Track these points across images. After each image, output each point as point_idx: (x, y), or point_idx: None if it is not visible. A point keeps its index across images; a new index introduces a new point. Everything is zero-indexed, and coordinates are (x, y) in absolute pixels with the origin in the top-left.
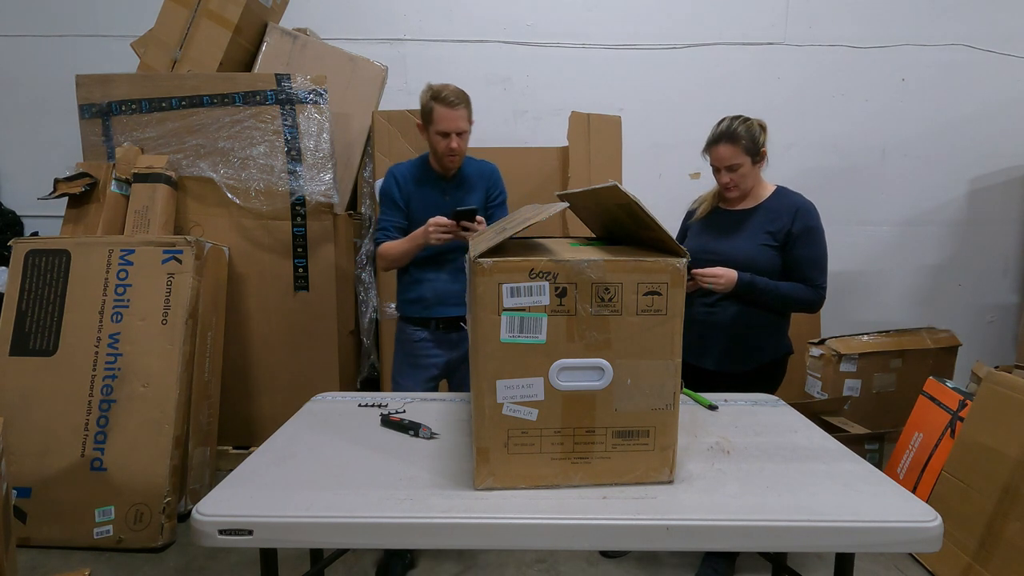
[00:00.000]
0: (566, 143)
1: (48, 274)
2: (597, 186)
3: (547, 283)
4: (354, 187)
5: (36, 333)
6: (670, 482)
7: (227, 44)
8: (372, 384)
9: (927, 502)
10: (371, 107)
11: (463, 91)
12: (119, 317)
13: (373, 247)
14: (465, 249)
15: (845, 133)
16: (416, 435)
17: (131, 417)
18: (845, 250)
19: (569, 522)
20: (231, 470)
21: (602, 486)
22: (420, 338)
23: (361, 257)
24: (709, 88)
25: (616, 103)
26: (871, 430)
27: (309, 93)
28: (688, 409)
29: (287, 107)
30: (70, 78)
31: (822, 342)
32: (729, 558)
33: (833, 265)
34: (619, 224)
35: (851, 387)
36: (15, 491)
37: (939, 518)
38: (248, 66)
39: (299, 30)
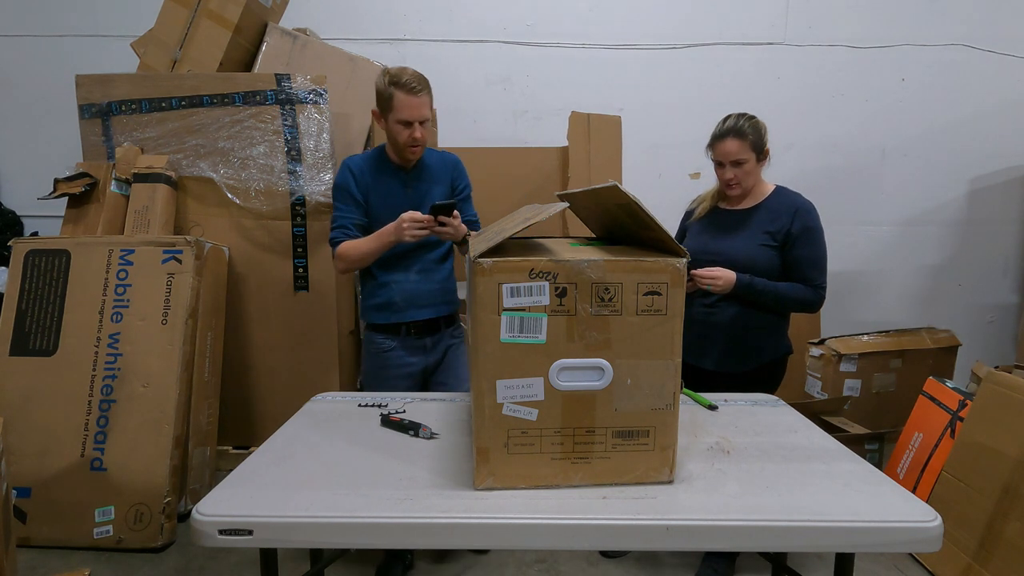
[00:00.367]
0: (566, 143)
1: (48, 274)
2: (597, 186)
3: (547, 283)
4: None
5: (36, 333)
6: (670, 482)
7: (227, 44)
8: None
9: (927, 502)
10: (371, 107)
11: (423, 76)
12: (119, 317)
13: (331, 247)
14: (434, 246)
15: (845, 133)
16: (416, 435)
17: (131, 417)
18: (845, 250)
19: (569, 522)
20: (231, 470)
21: (602, 486)
22: (389, 348)
23: None
24: (709, 88)
25: (616, 103)
26: (871, 430)
27: (309, 93)
28: (688, 409)
29: (287, 107)
30: (70, 78)
31: (822, 342)
32: (729, 558)
33: (833, 265)
34: (619, 224)
35: (851, 387)
36: (15, 491)
37: (939, 518)
38: (248, 66)
39: (299, 30)
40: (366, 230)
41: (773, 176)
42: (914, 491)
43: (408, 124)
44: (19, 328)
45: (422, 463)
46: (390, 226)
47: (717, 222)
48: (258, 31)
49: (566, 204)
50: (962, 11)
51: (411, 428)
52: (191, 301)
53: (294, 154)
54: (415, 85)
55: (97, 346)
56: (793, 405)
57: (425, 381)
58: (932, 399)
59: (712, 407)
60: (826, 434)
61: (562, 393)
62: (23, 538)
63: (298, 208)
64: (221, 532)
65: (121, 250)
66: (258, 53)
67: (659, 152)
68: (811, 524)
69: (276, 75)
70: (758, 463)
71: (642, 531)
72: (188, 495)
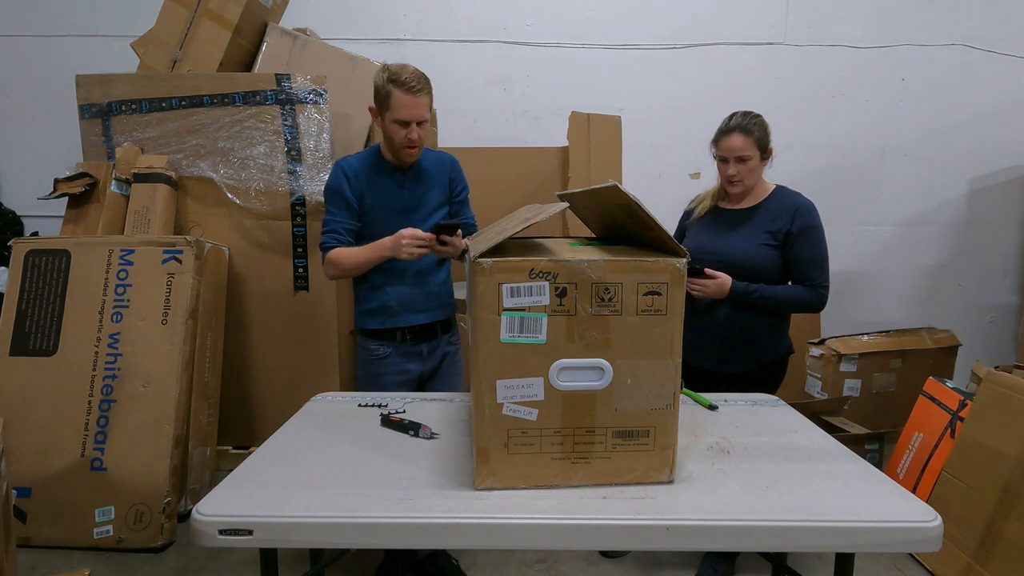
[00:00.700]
0: (566, 143)
1: (48, 274)
2: (597, 186)
3: (547, 283)
4: None
5: (36, 333)
6: (670, 482)
7: (227, 44)
8: None
9: (927, 502)
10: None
11: (424, 75)
12: (119, 317)
13: (322, 252)
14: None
15: (845, 133)
16: (416, 435)
17: (131, 417)
18: (845, 250)
19: (569, 522)
20: (231, 470)
21: (602, 486)
22: (384, 355)
23: None
24: (709, 88)
25: (616, 103)
26: (871, 430)
27: (309, 93)
28: (688, 409)
29: (287, 107)
30: (70, 78)
31: (822, 342)
32: (729, 558)
33: (833, 265)
34: (619, 224)
35: (851, 387)
36: (15, 491)
37: (939, 518)
38: (248, 66)
39: (299, 30)
40: (358, 235)
41: (773, 176)
42: (914, 491)
43: (405, 124)
44: (19, 328)
45: (422, 463)
46: (387, 240)
47: (717, 221)
48: (258, 31)
49: (566, 204)
50: (962, 11)
51: (411, 428)
52: (191, 301)
53: (294, 154)
54: (415, 84)
55: (97, 346)
56: (793, 405)
57: (420, 388)
58: (932, 399)
59: (712, 407)
60: (826, 434)
61: (562, 393)
62: (23, 538)
63: (298, 208)
64: (221, 532)
65: (121, 250)
66: (258, 53)
67: (659, 152)
68: (811, 524)
69: (276, 75)
70: (758, 463)
71: (642, 531)
72: (188, 495)
